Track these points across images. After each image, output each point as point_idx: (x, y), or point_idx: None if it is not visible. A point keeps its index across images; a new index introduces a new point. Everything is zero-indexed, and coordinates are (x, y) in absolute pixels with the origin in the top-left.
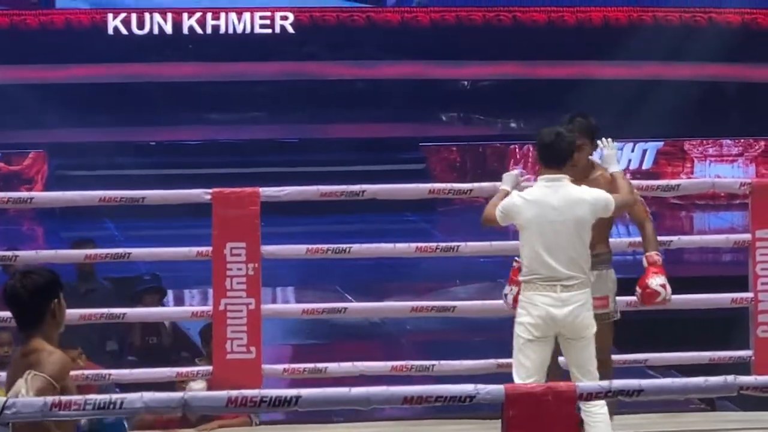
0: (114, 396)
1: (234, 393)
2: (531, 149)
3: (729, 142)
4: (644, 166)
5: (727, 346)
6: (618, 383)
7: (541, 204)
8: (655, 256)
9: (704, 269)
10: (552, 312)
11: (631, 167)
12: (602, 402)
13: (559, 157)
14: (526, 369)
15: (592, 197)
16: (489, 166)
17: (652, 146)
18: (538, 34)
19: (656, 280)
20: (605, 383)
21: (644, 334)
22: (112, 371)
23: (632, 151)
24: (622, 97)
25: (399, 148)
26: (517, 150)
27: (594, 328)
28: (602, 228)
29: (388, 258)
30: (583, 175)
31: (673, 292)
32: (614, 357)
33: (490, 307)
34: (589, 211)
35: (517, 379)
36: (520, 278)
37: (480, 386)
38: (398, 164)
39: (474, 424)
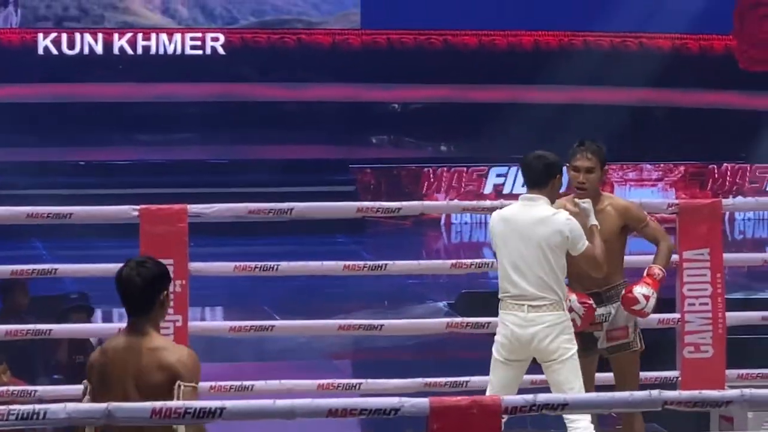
0: (38, 406)
1: (158, 404)
2: (445, 171)
3: (649, 166)
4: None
5: (653, 367)
6: (543, 397)
7: (512, 221)
8: (656, 269)
9: None
10: (516, 332)
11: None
12: (587, 417)
13: (536, 178)
14: (491, 387)
15: (568, 227)
16: (404, 188)
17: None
18: (470, 58)
19: (642, 290)
20: (530, 397)
21: None
22: (38, 387)
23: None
24: (550, 121)
25: (329, 170)
26: (431, 173)
27: (569, 353)
28: (615, 260)
29: (316, 279)
30: (594, 201)
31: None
32: (534, 377)
33: (417, 326)
34: (558, 237)
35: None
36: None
37: (405, 399)
38: (328, 186)
39: None
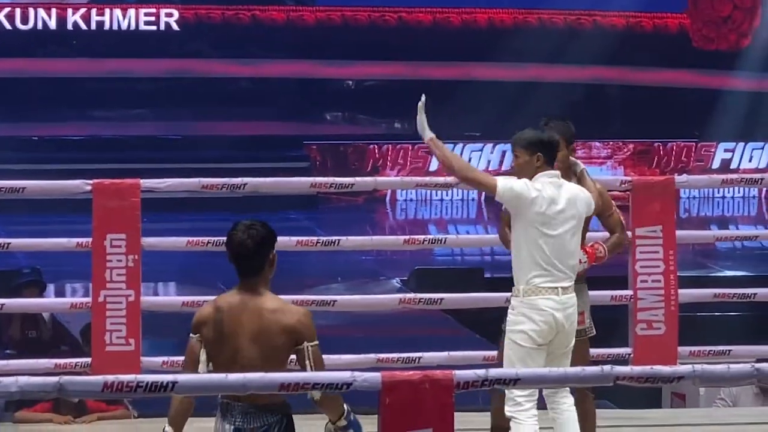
0: None
1: (110, 378)
2: (391, 148)
3: (598, 144)
4: (504, 167)
5: (606, 344)
6: (495, 372)
7: (550, 200)
8: (601, 247)
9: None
10: (556, 316)
11: (491, 168)
12: (571, 399)
13: (554, 154)
14: None
15: (586, 194)
16: (350, 165)
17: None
18: (424, 35)
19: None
20: (482, 372)
21: None
22: None
23: (491, 152)
24: (503, 98)
25: (283, 146)
26: (376, 150)
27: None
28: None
29: None
30: (566, 177)
31: None
32: (494, 353)
33: (370, 302)
34: (585, 207)
35: (520, 394)
36: (521, 283)
37: (357, 374)
38: (283, 162)
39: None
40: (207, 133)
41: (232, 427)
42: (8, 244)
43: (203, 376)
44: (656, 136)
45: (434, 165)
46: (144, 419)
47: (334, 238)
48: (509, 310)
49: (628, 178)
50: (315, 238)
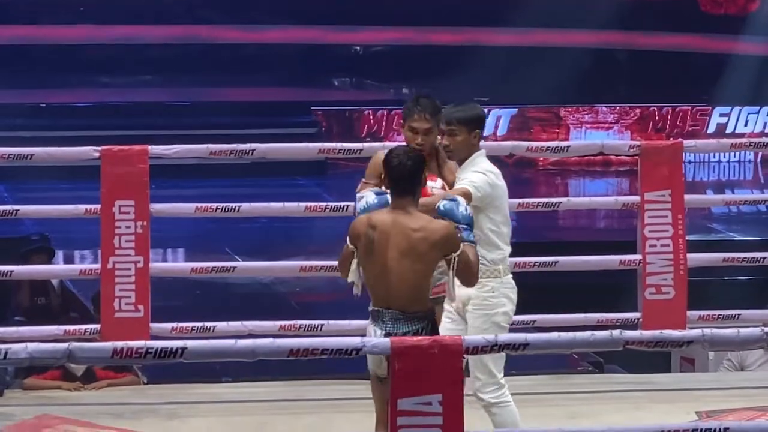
0: None
1: (119, 344)
2: (386, 114)
3: (605, 109)
4: (499, 133)
5: (615, 309)
6: (504, 337)
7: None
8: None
9: (593, 234)
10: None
11: (486, 133)
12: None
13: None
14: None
15: None
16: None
17: (506, 113)
18: (431, 0)
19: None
20: (491, 337)
21: (534, 299)
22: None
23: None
24: (510, 63)
25: (291, 112)
26: (371, 115)
27: None
28: None
29: (278, 221)
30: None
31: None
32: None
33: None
34: None
35: (501, 376)
36: (500, 264)
37: (366, 339)
38: (290, 128)
39: (362, 384)
40: (214, 99)
41: (383, 332)
42: (16, 210)
43: (212, 342)
44: (662, 101)
45: None
46: (153, 385)
47: (343, 203)
48: (486, 295)
49: (637, 143)
50: (324, 204)
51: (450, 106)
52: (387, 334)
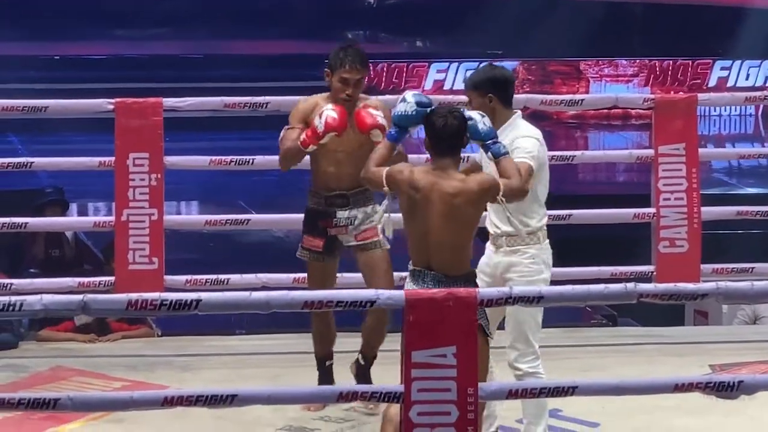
0: (14, 298)
1: (134, 296)
2: (385, 67)
3: (624, 62)
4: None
5: (628, 262)
6: (518, 290)
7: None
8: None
9: (608, 188)
10: None
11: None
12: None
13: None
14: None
15: None
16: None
17: (509, 65)
18: None
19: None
20: (505, 289)
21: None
22: (14, 280)
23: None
24: (525, 15)
25: (305, 64)
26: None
27: None
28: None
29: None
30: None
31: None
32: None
33: (391, 218)
34: None
35: (538, 346)
36: (539, 230)
37: (380, 291)
38: (304, 81)
39: None
40: (228, 52)
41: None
42: (31, 163)
43: (226, 294)
44: (680, 54)
45: (429, 84)
46: (167, 338)
47: None
48: (527, 262)
49: (651, 96)
50: None
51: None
52: None
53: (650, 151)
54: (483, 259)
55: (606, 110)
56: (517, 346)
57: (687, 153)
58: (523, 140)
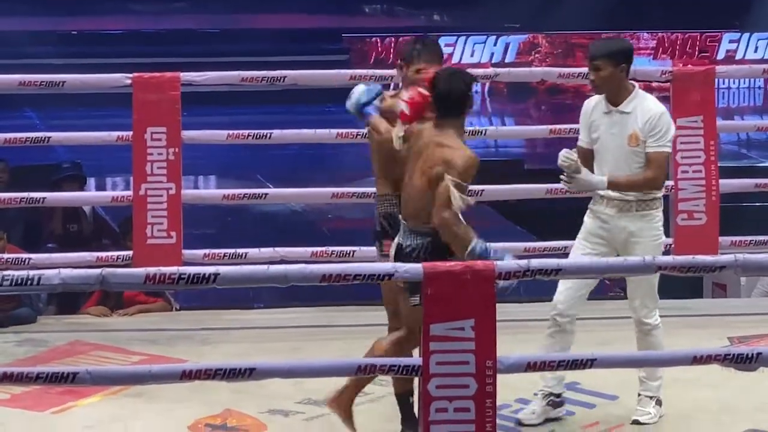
0: (32, 272)
1: (152, 270)
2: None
3: (646, 35)
4: (507, 59)
5: None
6: (536, 263)
7: None
8: None
9: None
10: None
11: (494, 60)
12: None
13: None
14: None
15: None
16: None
17: (514, 39)
18: None
19: None
20: (523, 262)
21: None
22: (32, 255)
23: (495, 44)
24: None
25: (322, 38)
26: (378, 42)
27: None
28: None
29: (309, 148)
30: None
31: None
32: (534, 244)
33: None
34: None
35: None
36: (657, 194)
37: (398, 264)
38: (321, 55)
39: None
40: (246, 26)
41: (398, 241)
42: (48, 138)
43: (244, 268)
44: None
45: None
46: (186, 312)
47: None
48: (657, 225)
49: (669, 69)
50: (355, 131)
51: (596, 41)
52: (398, 245)
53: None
54: (593, 224)
55: None
56: (647, 304)
57: (705, 125)
58: (662, 119)
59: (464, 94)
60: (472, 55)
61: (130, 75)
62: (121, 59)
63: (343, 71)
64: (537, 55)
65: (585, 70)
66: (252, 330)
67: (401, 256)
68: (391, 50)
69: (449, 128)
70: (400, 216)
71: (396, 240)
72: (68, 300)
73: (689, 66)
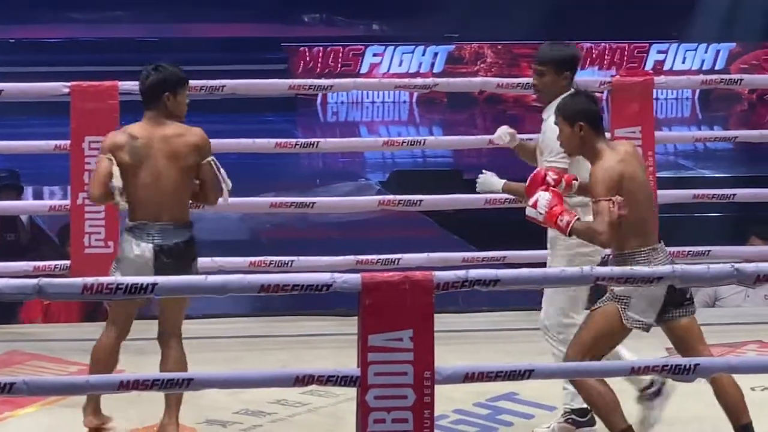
0: None
1: (90, 280)
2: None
3: (588, 45)
4: (435, 70)
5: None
6: (475, 273)
7: None
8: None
9: None
10: None
11: (422, 70)
12: None
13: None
14: None
15: None
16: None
17: (443, 50)
18: None
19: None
20: (462, 273)
21: (505, 234)
22: None
23: (423, 55)
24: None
25: (261, 48)
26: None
27: None
28: None
29: (248, 157)
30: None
31: None
32: (473, 255)
33: (349, 203)
34: None
35: None
36: None
37: (337, 275)
38: (260, 64)
39: (332, 321)
40: (184, 35)
41: (151, 245)
42: None
43: (182, 278)
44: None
45: (365, 67)
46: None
47: (312, 140)
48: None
49: (608, 79)
50: (294, 140)
51: (545, 45)
52: (158, 247)
53: (606, 135)
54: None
55: None
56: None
57: (643, 136)
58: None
59: (166, 88)
60: (400, 65)
61: (69, 84)
62: (59, 68)
63: (282, 81)
64: (482, 65)
65: (524, 80)
66: (190, 340)
67: None
68: (330, 59)
69: (163, 117)
70: None
71: (141, 245)
72: (4, 310)
73: (627, 77)
